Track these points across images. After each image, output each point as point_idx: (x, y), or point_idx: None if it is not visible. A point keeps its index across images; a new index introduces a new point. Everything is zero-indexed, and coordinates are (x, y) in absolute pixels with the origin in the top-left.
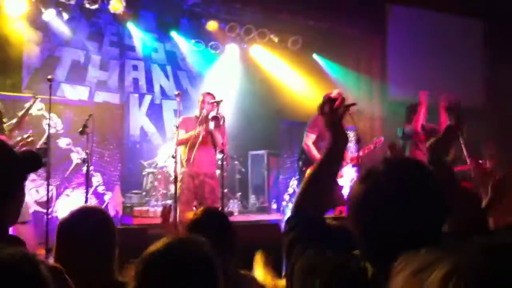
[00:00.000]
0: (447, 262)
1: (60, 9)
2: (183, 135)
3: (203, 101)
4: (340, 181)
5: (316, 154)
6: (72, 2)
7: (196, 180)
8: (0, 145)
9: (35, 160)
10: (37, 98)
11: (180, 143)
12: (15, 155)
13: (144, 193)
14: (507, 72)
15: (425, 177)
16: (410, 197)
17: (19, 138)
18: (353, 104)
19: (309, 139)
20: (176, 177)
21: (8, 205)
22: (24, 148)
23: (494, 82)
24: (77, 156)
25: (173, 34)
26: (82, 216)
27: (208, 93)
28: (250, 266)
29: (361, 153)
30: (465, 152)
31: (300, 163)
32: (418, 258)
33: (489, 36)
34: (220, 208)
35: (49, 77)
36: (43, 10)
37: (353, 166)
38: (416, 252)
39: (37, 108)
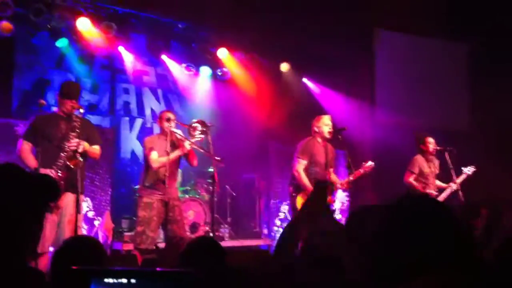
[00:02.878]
0: None
1: (51, 32)
2: (161, 157)
3: (165, 119)
4: (332, 206)
5: (307, 182)
6: (63, 25)
7: (168, 205)
8: (18, 172)
9: (53, 189)
10: None
11: (163, 165)
12: (34, 182)
13: (135, 218)
14: (491, 96)
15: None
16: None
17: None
18: (343, 129)
19: (300, 165)
20: (168, 202)
21: (26, 233)
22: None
23: (478, 106)
24: None
25: (164, 57)
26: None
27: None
28: None
29: (351, 178)
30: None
31: (291, 188)
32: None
33: (473, 60)
34: (211, 234)
35: (42, 102)
36: (33, 33)
37: (343, 191)
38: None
39: None
